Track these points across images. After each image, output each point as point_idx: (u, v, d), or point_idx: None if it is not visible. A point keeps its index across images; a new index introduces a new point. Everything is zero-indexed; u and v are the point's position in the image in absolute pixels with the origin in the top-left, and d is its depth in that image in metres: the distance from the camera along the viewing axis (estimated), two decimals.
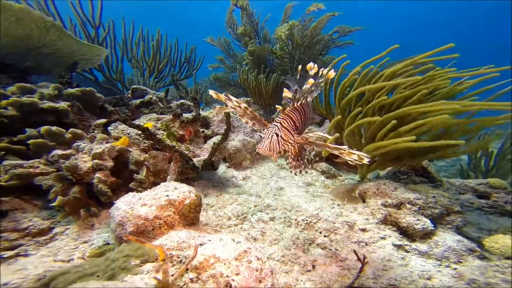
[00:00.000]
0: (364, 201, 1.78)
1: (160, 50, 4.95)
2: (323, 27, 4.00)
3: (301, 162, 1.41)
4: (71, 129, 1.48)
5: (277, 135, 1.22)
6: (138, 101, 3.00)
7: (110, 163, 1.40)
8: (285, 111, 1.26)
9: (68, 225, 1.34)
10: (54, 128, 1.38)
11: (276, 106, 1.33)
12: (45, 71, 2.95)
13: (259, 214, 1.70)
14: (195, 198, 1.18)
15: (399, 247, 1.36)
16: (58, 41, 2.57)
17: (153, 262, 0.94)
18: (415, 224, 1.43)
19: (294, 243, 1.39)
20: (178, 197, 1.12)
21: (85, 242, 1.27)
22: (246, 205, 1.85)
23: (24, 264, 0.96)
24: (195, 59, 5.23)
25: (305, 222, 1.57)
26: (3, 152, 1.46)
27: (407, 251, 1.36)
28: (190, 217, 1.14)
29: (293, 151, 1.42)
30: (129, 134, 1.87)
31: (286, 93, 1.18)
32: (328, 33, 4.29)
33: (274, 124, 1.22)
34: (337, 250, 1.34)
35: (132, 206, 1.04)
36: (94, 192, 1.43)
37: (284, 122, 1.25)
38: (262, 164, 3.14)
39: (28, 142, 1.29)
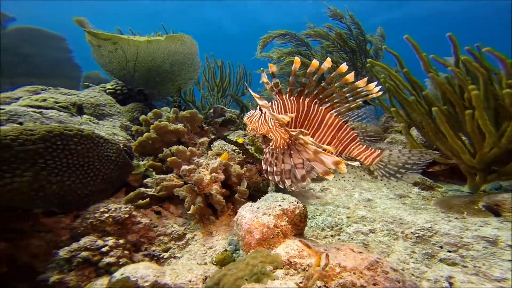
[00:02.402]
0: (498, 215, 1.52)
1: (223, 71, 5.52)
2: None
3: (278, 165, 1.11)
4: (190, 148, 1.82)
5: (261, 111, 1.15)
6: (220, 119, 3.42)
7: (222, 176, 1.65)
8: (281, 96, 1.13)
9: (194, 232, 1.63)
10: (181, 147, 1.73)
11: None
12: (154, 97, 3.76)
13: (355, 225, 1.68)
14: (303, 208, 1.26)
15: None
16: (168, 68, 3.29)
17: (282, 268, 1.05)
18: None
19: (411, 257, 1.30)
20: (289, 207, 1.22)
21: (210, 248, 1.51)
22: (337, 216, 1.85)
23: (189, 265, 1.22)
24: (247, 77, 5.57)
25: (416, 235, 1.46)
26: (144, 168, 1.93)
27: None
28: (300, 226, 1.23)
29: (275, 144, 1.16)
30: (226, 150, 2.16)
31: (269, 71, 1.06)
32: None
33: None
34: (479, 267, 1.18)
35: (256, 214, 1.19)
36: (210, 202, 1.71)
37: (274, 103, 1.13)
38: (338, 176, 3.11)
39: (167, 159, 1.67)
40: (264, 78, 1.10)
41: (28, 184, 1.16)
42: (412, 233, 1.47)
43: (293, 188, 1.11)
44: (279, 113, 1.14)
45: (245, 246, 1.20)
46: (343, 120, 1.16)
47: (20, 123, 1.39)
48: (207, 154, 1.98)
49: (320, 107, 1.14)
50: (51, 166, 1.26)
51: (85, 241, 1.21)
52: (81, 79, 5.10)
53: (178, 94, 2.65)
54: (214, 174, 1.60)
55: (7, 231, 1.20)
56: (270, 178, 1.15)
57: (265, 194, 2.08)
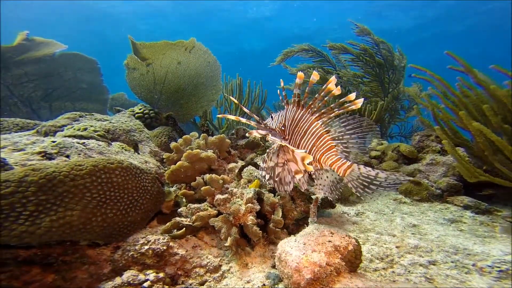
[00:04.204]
0: None
1: (242, 89, 5.75)
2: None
3: (267, 162, 1.37)
4: (222, 176, 1.86)
5: (272, 118, 1.46)
6: (243, 142, 3.49)
7: (258, 206, 1.65)
8: (287, 105, 1.39)
9: (229, 264, 1.62)
10: (214, 176, 1.78)
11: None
12: (179, 120, 3.94)
13: (409, 256, 1.59)
14: (357, 244, 1.22)
15: None
16: (193, 91, 3.51)
17: None
18: None
19: None
20: (341, 243, 1.18)
21: (247, 282, 1.48)
22: (384, 245, 1.78)
23: None
24: (262, 94, 5.75)
25: (497, 269, 1.35)
26: (175, 195, 1.98)
27: None
28: (356, 263, 1.18)
29: (273, 146, 1.40)
30: (256, 176, 2.17)
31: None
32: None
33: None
34: None
35: (304, 252, 1.16)
36: (244, 232, 1.70)
37: (281, 111, 1.41)
38: (371, 199, 3.02)
39: (202, 189, 1.71)
40: (296, 89, 1.36)
41: (77, 218, 1.23)
42: (489, 266, 1.36)
43: (271, 183, 1.36)
44: (283, 119, 1.41)
45: (292, 285, 1.16)
46: (325, 130, 1.31)
47: (68, 156, 1.51)
48: (238, 181, 2.00)
49: (311, 116, 1.31)
50: (96, 200, 1.33)
51: (128, 275, 1.24)
52: (108, 101, 5.53)
53: (205, 118, 2.76)
54: (249, 204, 1.61)
55: (56, 264, 1.26)
56: (260, 172, 1.41)
57: (297, 222, 2.05)
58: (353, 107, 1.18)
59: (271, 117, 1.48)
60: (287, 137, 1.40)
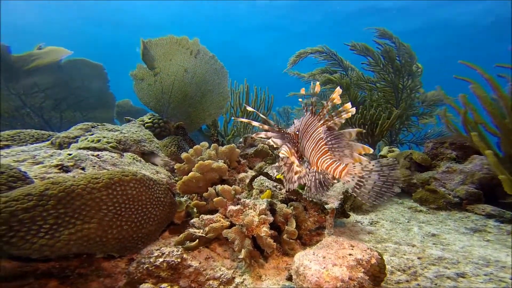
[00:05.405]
0: None
1: (249, 96, 5.83)
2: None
3: (278, 162, 1.57)
4: (234, 186, 1.87)
5: (294, 123, 1.61)
6: (252, 151, 3.50)
7: (271, 218, 1.65)
8: (306, 112, 1.51)
9: (243, 276, 1.61)
10: (226, 187, 1.79)
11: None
12: (188, 128, 3.99)
13: (434, 268, 1.56)
14: (379, 257, 1.20)
15: None
16: (200, 98, 3.56)
17: None
18: None
19: None
20: (363, 256, 1.17)
21: None
22: (404, 256, 1.75)
23: None
24: (269, 99, 5.81)
25: None
26: (186, 205, 2.00)
27: None
28: (380, 278, 1.16)
29: None
30: (267, 186, 2.18)
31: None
32: None
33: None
34: None
35: (324, 266, 1.15)
36: (257, 244, 1.69)
37: (302, 117, 1.54)
38: (385, 207, 2.97)
39: (214, 200, 1.72)
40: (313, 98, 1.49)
41: (95, 231, 1.25)
42: None
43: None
44: (302, 124, 1.51)
45: None
46: (320, 136, 1.40)
47: (83, 168, 1.55)
48: (249, 192, 2.01)
49: (318, 123, 1.42)
50: (112, 212, 1.36)
51: None
52: (115, 108, 5.65)
53: (215, 128, 2.80)
54: (263, 215, 1.61)
55: (72, 276, 1.28)
56: (274, 171, 1.60)
57: (310, 232, 2.02)
58: (346, 116, 1.31)
59: (294, 123, 1.65)
60: (298, 141, 1.54)
